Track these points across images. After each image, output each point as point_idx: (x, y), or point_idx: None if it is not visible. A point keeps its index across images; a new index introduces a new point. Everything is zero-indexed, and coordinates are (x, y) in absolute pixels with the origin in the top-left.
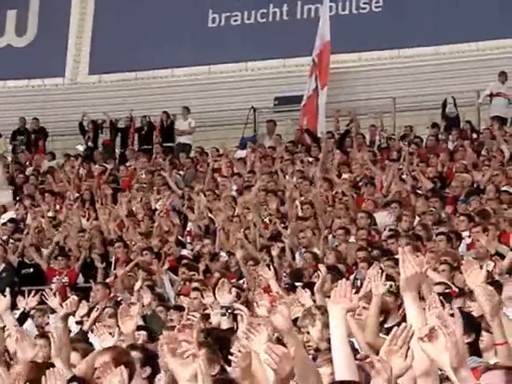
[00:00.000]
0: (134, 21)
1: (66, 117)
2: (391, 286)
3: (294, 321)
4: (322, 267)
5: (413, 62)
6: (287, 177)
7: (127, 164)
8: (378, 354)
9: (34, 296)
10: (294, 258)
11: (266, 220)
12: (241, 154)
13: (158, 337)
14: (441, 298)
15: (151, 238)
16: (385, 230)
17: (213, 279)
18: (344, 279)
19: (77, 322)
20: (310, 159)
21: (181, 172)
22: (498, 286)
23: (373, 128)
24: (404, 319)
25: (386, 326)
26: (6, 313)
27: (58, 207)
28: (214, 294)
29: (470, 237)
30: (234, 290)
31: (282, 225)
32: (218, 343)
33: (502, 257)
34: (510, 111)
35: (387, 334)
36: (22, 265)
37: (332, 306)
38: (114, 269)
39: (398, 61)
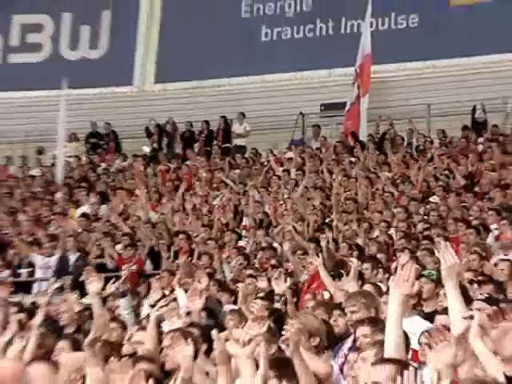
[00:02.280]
0: (195, 35)
1: (134, 121)
2: (431, 274)
3: (339, 304)
4: (353, 259)
5: (445, 72)
6: (333, 175)
7: (188, 163)
8: None
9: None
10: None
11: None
12: (290, 154)
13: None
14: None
15: (212, 229)
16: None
17: (267, 266)
18: (410, 263)
19: (150, 305)
20: (353, 159)
21: (237, 171)
22: None
23: (410, 131)
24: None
25: (425, 311)
26: (95, 296)
27: (128, 202)
28: (268, 281)
29: (497, 229)
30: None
31: (328, 219)
32: (277, 324)
33: None
34: None
35: (426, 318)
36: (96, 255)
37: (393, 290)
38: (177, 258)
39: (432, 71)
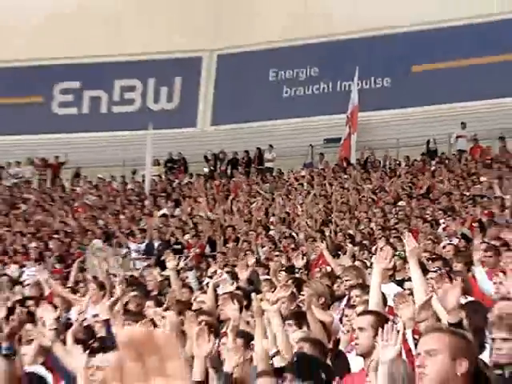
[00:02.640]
0: (238, 92)
1: (197, 151)
2: (400, 254)
3: (338, 275)
4: (348, 245)
5: (409, 116)
6: (333, 187)
7: (234, 180)
8: None
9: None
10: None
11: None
12: (303, 173)
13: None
14: None
15: (250, 224)
16: (392, 219)
17: (288, 249)
18: (386, 246)
19: (209, 276)
20: (346, 176)
21: (267, 184)
22: None
23: (385, 157)
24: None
25: (397, 279)
26: (172, 270)
27: (193, 206)
28: (289, 259)
29: (444, 223)
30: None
31: (330, 217)
32: (297, 289)
33: None
34: (468, 145)
35: (398, 284)
36: (172, 242)
37: (375, 265)
38: (226, 244)
39: (400, 116)
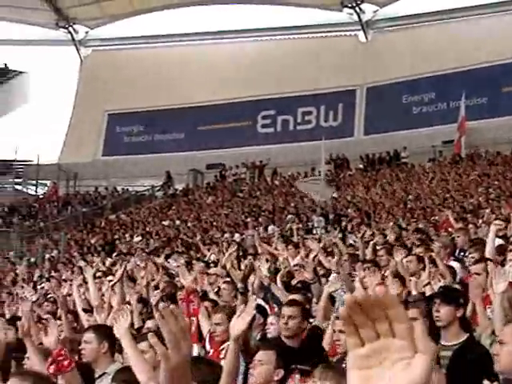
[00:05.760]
0: (383, 109)
1: (355, 153)
2: None
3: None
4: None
5: (501, 123)
6: (450, 174)
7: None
8: None
9: None
10: None
11: None
12: (427, 165)
13: None
14: None
15: (393, 201)
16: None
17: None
18: None
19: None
20: (458, 166)
21: (403, 174)
22: None
23: (485, 152)
24: None
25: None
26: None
27: (353, 190)
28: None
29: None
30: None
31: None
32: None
33: None
34: None
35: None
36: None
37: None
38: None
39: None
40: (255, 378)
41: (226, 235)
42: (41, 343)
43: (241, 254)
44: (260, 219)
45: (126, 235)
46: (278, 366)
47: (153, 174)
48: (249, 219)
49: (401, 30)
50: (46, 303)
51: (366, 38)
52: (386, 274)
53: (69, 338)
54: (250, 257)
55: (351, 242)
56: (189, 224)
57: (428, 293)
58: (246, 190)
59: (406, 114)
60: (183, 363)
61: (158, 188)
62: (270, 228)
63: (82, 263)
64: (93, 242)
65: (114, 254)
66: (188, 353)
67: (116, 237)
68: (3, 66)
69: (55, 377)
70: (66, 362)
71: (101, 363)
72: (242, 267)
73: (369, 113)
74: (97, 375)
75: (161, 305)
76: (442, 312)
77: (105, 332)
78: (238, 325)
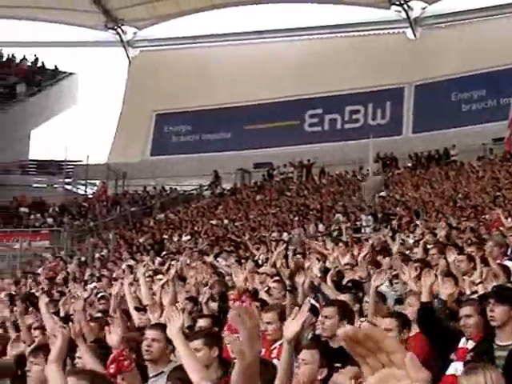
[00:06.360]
0: (431, 107)
1: (403, 152)
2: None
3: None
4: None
5: None
6: (501, 172)
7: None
8: None
9: None
10: None
11: None
12: (475, 164)
13: None
14: None
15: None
16: None
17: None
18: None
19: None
20: (509, 163)
21: (453, 172)
22: None
23: None
24: None
25: None
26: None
27: (402, 188)
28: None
29: None
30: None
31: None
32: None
33: None
34: None
35: None
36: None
37: None
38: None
39: None
40: (299, 377)
41: (274, 234)
42: (95, 340)
43: (289, 253)
44: (308, 218)
45: (175, 234)
46: (321, 366)
47: (200, 173)
48: (296, 218)
49: (449, 27)
50: (98, 302)
51: (415, 35)
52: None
53: (126, 337)
54: (298, 255)
55: (400, 240)
56: (237, 223)
57: (480, 292)
58: (294, 189)
59: (456, 112)
60: (256, 361)
61: (205, 187)
62: (320, 227)
63: (131, 262)
64: (141, 241)
65: (163, 253)
66: (260, 350)
67: (164, 236)
68: (53, 68)
69: (114, 377)
70: (126, 362)
71: (161, 362)
72: (291, 265)
73: (417, 111)
74: (153, 374)
75: (211, 304)
76: (497, 312)
77: None
78: (292, 327)
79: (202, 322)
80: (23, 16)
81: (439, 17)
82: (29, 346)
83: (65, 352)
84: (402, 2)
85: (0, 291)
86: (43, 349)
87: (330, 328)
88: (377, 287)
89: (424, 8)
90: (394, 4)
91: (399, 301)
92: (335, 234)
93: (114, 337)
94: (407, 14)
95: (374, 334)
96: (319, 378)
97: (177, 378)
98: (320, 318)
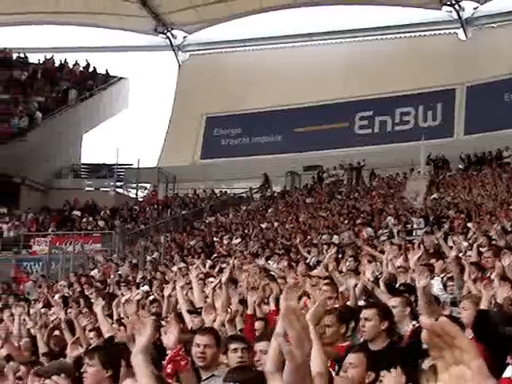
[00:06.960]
0: (484, 108)
1: (455, 153)
2: None
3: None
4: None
5: None
6: None
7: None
8: None
9: None
10: None
11: None
12: None
13: None
14: None
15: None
16: None
17: None
18: None
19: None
20: None
21: (506, 174)
22: None
23: None
24: None
25: None
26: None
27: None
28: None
29: None
30: None
31: None
32: None
33: None
34: None
35: None
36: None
37: None
38: (480, 216)
39: None
40: (347, 380)
41: (324, 237)
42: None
43: (340, 256)
44: (358, 221)
45: (225, 237)
46: (369, 369)
47: (250, 176)
48: (346, 221)
49: (502, 27)
50: (151, 305)
51: (466, 35)
52: (491, 277)
53: (186, 338)
54: (350, 258)
55: (451, 244)
56: (287, 226)
57: None
58: (344, 192)
59: (508, 113)
60: (306, 362)
61: (255, 190)
62: (369, 230)
63: (182, 265)
64: (192, 243)
65: (213, 256)
66: (309, 351)
67: (215, 239)
68: (105, 73)
69: (171, 377)
70: (183, 362)
71: (212, 366)
72: (344, 269)
73: (469, 112)
74: (204, 377)
75: (264, 307)
76: None
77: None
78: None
79: (257, 325)
80: (74, 22)
81: (491, 17)
82: (86, 347)
83: (150, 343)
84: (454, 3)
85: (54, 294)
86: (98, 351)
87: (371, 330)
88: (424, 288)
89: (476, 8)
90: (446, 4)
91: (453, 303)
92: (386, 236)
93: (170, 337)
94: (458, 15)
95: (450, 329)
96: (367, 381)
97: (234, 380)
98: (360, 321)
